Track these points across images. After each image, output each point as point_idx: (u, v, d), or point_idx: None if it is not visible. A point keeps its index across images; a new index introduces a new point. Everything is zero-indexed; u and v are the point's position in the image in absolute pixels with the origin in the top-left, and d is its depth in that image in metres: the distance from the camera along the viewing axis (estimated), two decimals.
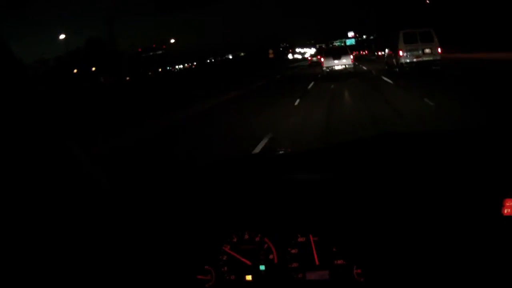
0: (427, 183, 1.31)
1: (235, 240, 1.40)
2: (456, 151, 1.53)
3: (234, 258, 1.39)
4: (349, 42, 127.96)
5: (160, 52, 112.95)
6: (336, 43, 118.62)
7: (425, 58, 19.38)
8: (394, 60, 21.07)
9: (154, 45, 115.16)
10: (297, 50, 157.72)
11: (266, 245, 1.38)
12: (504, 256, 1.19)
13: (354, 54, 34.25)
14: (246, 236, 1.39)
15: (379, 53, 71.96)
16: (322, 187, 1.40)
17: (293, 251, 1.35)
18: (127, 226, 1.32)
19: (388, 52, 23.56)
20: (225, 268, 1.40)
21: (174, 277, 1.36)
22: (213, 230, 1.40)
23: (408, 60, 19.50)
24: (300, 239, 1.35)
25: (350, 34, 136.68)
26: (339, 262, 1.33)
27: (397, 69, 20.47)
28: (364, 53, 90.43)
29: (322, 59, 26.20)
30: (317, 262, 1.34)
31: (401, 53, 19.61)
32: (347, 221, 1.32)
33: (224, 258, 1.40)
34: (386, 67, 23.95)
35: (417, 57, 19.42)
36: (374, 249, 1.28)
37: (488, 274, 1.19)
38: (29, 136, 1.02)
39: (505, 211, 1.23)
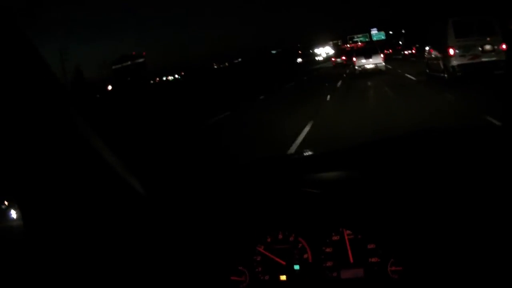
0: (459, 179, 1.46)
1: (269, 240, 1.52)
2: (491, 147, 1.72)
3: (268, 258, 1.51)
4: (377, 36, 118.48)
5: (140, 60, 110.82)
6: (359, 39, 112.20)
7: (484, 59, 15.80)
8: (440, 62, 17.48)
9: (133, 53, 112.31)
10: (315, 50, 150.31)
11: (300, 245, 1.49)
12: None
13: (385, 53, 33.64)
14: (280, 236, 1.52)
15: (406, 52, 68.32)
16: (355, 184, 1.58)
17: (327, 249, 1.47)
18: (163, 229, 1.46)
19: (430, 50, 19.98)
20: (259, 268, 1.52)
21: (208, 278, 1.50)
22: (247, 230, 1.54)
23: (461, 62, 15.91)
24: (335, 238, 1.46)
25: (374, 30, 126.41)
26: (374, 259, 1.43)
27: (445, 74, 16.90)
28: (388, 52, 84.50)
29: (354, 59, 30.14)
30: (351, 260, 1.44)
31: (451, 51, 16.02)
32: (381, 218, 1.43)
33: (258, 258, 1.52)
34: (428, 71, 20.37)
35: (473, 57, 15.85)
36: (409, 246, 1.38)
37: None
38: (57, 139, 1.12)
39: None
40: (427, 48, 20.70)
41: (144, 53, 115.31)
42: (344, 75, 31.35)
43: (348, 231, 1.47)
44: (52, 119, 1.10)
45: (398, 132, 2.30)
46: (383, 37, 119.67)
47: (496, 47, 15.75)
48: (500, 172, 1.46)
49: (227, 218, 1.55)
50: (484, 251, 1.30)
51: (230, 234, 1.53)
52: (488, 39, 15.78)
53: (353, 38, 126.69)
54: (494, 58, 15.74)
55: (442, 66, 17.20)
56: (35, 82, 1.06)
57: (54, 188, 1.15)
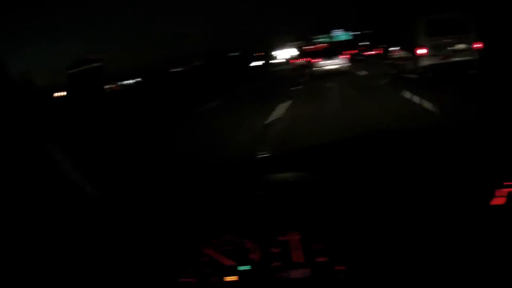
0: (411, 181, 1.53)
1: (216, 241, 1.53)
2: (445, 146, 1.82)
3: (216, 260, 1.52)
4: (343, 37, 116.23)
5: (98, 64, 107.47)
6: (323, 39, 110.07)
7: (457, 58, 15.03)
8: (410, 62, 16.63)
9: (92, 56, 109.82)
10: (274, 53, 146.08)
11: (247, 245, 1.51)
12: (493, 247, 1.33)
13: (349, 53, 32.74)
14: (227, 237, 1.53)
15: (372, 52, 68.13)
16: (302, 185, 1.63)
17: (275, 250, 1.49)
18: (113, 230, 1.50)
19: (399, 50, 19.16)
20: (208, 270, 1.52)
21: (157, 280, 1.50)
22: (194, 232, 1.55)
23: (433, 62, 15.08)
24: (282, 238, 1.49)
25: (338, 31, 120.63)
26: (321, 259, 1.45)
27: (415, 75, 16.06)
28: (353, 52, 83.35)
29: (317, 60, 29.01)
30: (299, 260, 1.47)
31: (422, 51, 15.19)
32: (328, 219, 1.48)
33: (206, 260, 1.53)
34: (396, 72, 19.56)
35: (446, 56, 15.04)
36: (356, 246, 1.42)
37: (477, 267, 1.31)
38: (8, 140, 1.18)
39: (496, 200, 1.41)
40: (395, 48, 19.90)
41: (102, 56, 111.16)
42: (306, 77, 29.85)
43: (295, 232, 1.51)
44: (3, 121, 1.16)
45: (353, 133, 2.34)
46: (349, 37, 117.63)
47: (470, 46, 15.00)
48: (449, 173, 1.54)
49: (175, 220, 1.58)
50: (429, 250, 1.35)
51: (178, 236, 1.54)
52: (461, 37, 15.02)
53: (315, 38, 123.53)
54: (467, 58, 15.01)
55: (412, 67, 16.36)
56: None
57: (4, 189, 1.20)
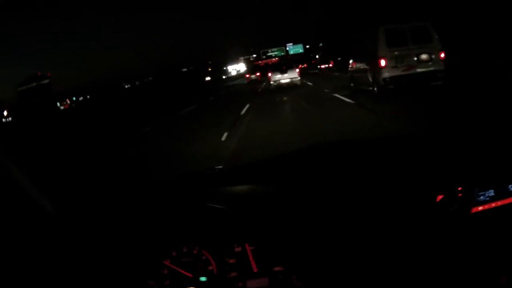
0: (358, 188, 1.60)
1: (174, 254, 1.58)
2: (387, 155, 1.92)
3: (175, 271, 1.56)
4: (294, 50, 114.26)
5: (46, 81, 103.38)
6: (274, 53, 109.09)
7: (420, 69, 13.86)
8: (368, 74, 15.40)
9: (39, 73, 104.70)
10: (229, 67, 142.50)
11: (204, 257, 1.56)
12: (443, 247, 1.45)
13: (300, 67, 33.02)
14: (185, 249, 1.58)
15: (322, 66, 67.53)
16: (255, 198, 1.67)
17: (231, 261, 1.53)
18: (71, 246, 1.48)
19: (354, 63, 17.98)
20: (167, 281, 1.56)
21: None
22: (152, 245, 1.57)
23: (394, 74, 13.87)
24: (237, 249, 1.54)
25: (289, 45, 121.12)
26: (277, 269, 1.49)
27: (374, 88, 14.84)
28: (303, 66, 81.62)
29: (270, 74, 29.77)
30: (255, 270, 1.51)
31: (383, 62, 13.92)
32: (281, 229, 1.51)
33: (165, 272, 1.56)
34: (352, 85, 18.36)
35: (408, 67, 13.85)
36: (310, 254, 1.45)
37: (428, 269, 1.41)
38: None
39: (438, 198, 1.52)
40: (351, 60, 18.71)
41: (49, 73, 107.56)
42: (259, 90, 30.67)
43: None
44: None
45: (306, 145, 2.33)
46: (301, 50, 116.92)
47: (433, 56, 13.86)
48: (388, 177, 1.65)
49: (134, 233, 1.57)
50: (383, 260, 1.41)
51: (136, 248, 1.55)
52: (424, 47, 13.88)
53: (268, 52, 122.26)
54: (431, 68, 13.85)
55: (370, 79, 15.13)
56: None
57: None
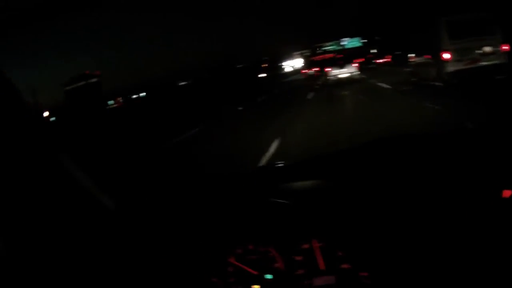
0: (426, 184, 1.56)
1: (240, 251, 1.54)
2: (453, 150, 1.86)
3: (240, 269, 1.53)
4: (352, 43, 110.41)
5: (94, 79, 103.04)
6: (331, 47, 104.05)
7: (484, 63, 13.87)
8: (431, 69, 15.49)
9: (87, 72, 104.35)
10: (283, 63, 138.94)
11: (271, 254, 1.52)
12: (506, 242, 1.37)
13: (357, 61, 32.03)
14: (251, 247, 1.54)
15: (380, 61, 66.51)
16: (322, 194, 1.63)
17: (298, 258, 1.49)
18: (133, 243, 1.51)
19: (414, 57, 18.01)
20: (232, 279, 1.53)
21: None
22: (217, 242, 1.56)
23: (458, 67, 13.91)
24: (304, 246, 1.49)
25: (345, 40, 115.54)
26: (345, 266, 1.45)
27: (438, 83, 14.91)
28: (360, 60, 79.21)
29: (328, 69, 29.57)
30: (322, 268, 1.47)
31: (447, 56, 14.03)
32: (350, 225, 1.48)
33: (231, 269, 1.54)
34: (413, 79, 18.41)
35: (472, 61, 13.88)
36: (378, 251, 1.42)
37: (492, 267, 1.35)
38: (21, 152, 1.21)
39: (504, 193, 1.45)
40: (411, 54, 18.77)
41: (98, 72, 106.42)
42: (317, 87, 29.44)
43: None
44: (21, 137, 1.20)
45: (370, 139, 2.27)
46: (358, 44, 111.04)
47: (496, 48, 13.84)
48: (454, 172, 1.60)
49: (198, 230, 1.58)
50: (452, 257, 1.38)
51: (201, 246, 1.55)
52: (487, 40, 13.87)
53: (323, 47, 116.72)
54: (495, 61, 13.86)
55: (434, 74, 15.21)
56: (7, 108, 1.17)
57: (24, 204, 1.23)
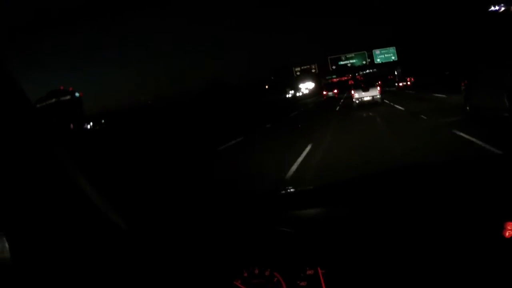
0: (431, 215, 1.62)
1: (245, 274, 1.59)
2: (456, 180, 1.91)
3: None
4: (383, 57, 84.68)
5: (67, 97, 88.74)
6: (350, 61, 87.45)
7: None
8: (502, 95, 11.05)
9: (61, 87, 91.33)
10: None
11: (275, 279, 1.56)
12: (506, 277, 1.39)
13: (380, 84, 33.82)
14: (256, 271, 1.59)
15: (400, 84, 62.34)
16: (328, 221, 1.73)
17: (302, 283, 1.53)
18: (143, 262, 1.53)
19: (471, 82, 13.71)
20: None
21: None
22: (224, 265, 1.60)
23: None
24: (309, 272, 1.54)
25: (376, 51, 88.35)
26: None
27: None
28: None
29: (352, 92, 32.09)
30: None
31: None
32: (354, 254, 1.54)
33: None
34: (468, 108, 14.03)
35: None
36: (381, 281, 1.46)
37: None
38: (40, 175, 1.20)
39: (507, 233, 1.47)
40: (465, 81, 14.44)
41: (71, 88, 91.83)
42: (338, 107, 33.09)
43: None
44: (35, 153, 1.19)
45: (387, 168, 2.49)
46: (393, 58, 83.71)
47: None
48: (458, 203, 1.64)
49: (206, 252, 1.62)
50: (455, 283, 1.41)
51: (208, 267, 1.58)
52: None
53: (340, 60, 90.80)
54: None
55: (507, 102, 10.81)
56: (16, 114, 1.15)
57: (38, 220, 1.23)
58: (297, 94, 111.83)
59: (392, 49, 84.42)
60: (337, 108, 35.05)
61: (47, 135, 1.21)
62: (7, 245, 1.21)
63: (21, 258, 1.21)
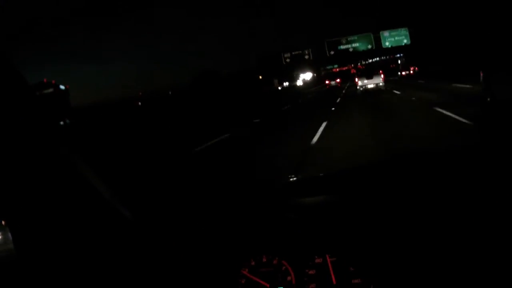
0: (438, 200, 1.57)
1: (253, 263, 1.58)
2: (461, 167, 1.90)
3: (253, 281, 1.56)
4: (392, 40, 67.94)
5: (50, 90, 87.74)
6: (351, 45, 69.54)
7: None
8: None
9: (45, 80, 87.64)
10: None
11: (283, 267, 1.55)
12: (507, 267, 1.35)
13: (383, 72, 34.35)
14: (264, 259, 1.58)
15: (403, 73, 61.45)
16: (335, 208, 1.68)
17: (310, 272, 1.52)
18: (150, 253, 1.49)
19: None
20: None
21: None
22: (231, 254, 1.60)
23: None
24: (317, 260, 1.52)
25: (385, 32, 69.87)
26: (356, 281, 1.47)
27: None
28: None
29: (356, 79, 33.19)
30: (334, 282, 1.49)
31: None
32: (362, 241, 1.51)
33: (243, 281, 1.57)
34: (489, 99, 12.84)
35: None
36: (389, 267, 1.44)
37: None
38: (45, 164, 1.20)
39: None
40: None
41: (53, 81, 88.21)
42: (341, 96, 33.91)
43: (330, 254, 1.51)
44: (41, 145, 1.18)
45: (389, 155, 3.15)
46: (405, 41, 67.14)
47: None
48: (481, 195, 1.55)
49: (213, 242, 1.61)
50: (462, 274, 1.36)
51: (215, 257, 1.57)
52: None
53: (340, 44, 71.24)
54: None
55: None
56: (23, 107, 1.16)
57: (43, 212, 1.23)
58: (298, 84, 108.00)
59: (404, 31, 68.15)
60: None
61: (53, 128, 1.20)
62: (10, 236, 1.23)
63: (25, 250, 1.22)
